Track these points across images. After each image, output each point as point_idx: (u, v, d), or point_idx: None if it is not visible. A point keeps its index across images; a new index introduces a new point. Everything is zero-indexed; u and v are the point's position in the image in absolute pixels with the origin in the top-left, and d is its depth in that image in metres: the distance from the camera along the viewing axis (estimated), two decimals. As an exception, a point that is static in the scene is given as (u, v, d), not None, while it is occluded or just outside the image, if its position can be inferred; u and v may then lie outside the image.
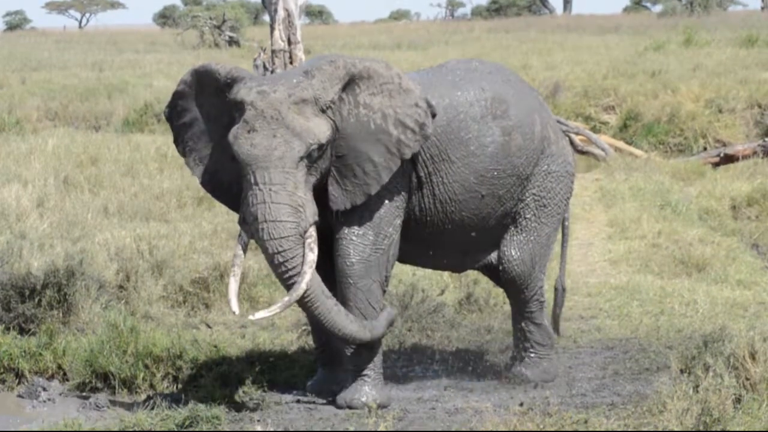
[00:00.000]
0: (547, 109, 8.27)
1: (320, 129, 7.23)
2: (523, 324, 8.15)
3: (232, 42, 37.27)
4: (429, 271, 10.09)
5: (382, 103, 7.40)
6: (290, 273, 7.15)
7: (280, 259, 7.12)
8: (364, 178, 7.38)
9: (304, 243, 7.14)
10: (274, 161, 7.10)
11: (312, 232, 7.18)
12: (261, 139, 7.11)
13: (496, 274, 8.18)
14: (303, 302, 7.23)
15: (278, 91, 7.20)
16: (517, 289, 8.05)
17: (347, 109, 7.39)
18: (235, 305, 7.21)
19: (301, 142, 7.14)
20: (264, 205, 7.08)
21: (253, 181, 7.11)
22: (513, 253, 7.98)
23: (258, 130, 7.13)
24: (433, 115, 7.44)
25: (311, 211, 7.19)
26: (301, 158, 7.15)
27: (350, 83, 7.39)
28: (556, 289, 8.37)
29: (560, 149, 8.06)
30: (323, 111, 7.29)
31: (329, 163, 7.39)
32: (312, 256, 7.14)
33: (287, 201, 7.10)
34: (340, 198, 7.43)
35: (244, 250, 7.37)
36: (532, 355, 8.15)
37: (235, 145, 7.13)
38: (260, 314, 7.22)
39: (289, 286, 7.17)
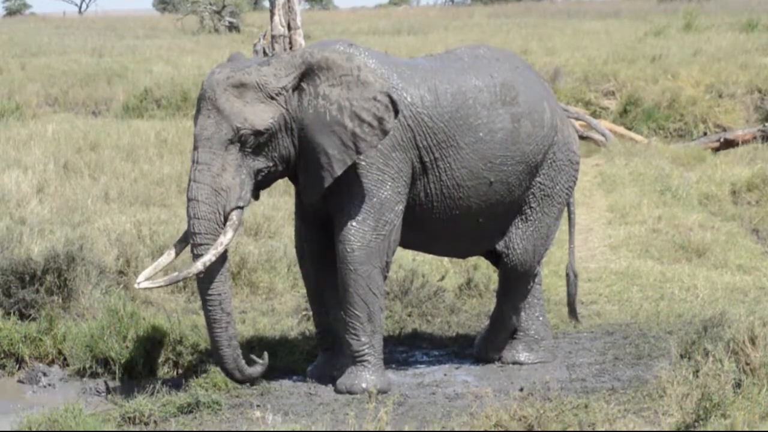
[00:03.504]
0: (554, 96, 8.25)
1: (258, 115, 7.25)
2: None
3: (232, 27, 37.20)
4: (429, 256, 10.09)
5: (340, 95, 7.35)
6: (199, 252, 7.25)
7: (192, 239, 7.27)
8: (319, 170, 7.35)
9: (225, 224, 7.23)
10: (203, 141, 7.25)
11: (233, 215, 7.23)
12: (200, 119, 7.30)
13: (498, 259, 8.19)
14: (198, 283, 7.34)
15: (221, 74, 7.31)
16: (516, 277, 8.06)
17: (307, 99, 7.37)
18: (142, 275, 7.34)
19: (228, 125, 7.22)
20: (191, 183, 7.26)
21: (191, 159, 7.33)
22: (517, 243, 7.98)
23: (200, 111, 7.31)
24: (396, 112, 7.36)
25: (236, 196, 7.24)
26: (230, 141, 7.22)
27: (309, 73, 7.37)
28: (567, 276, 8.38)
29: (566, 138, 8.04)
30: (272, 98, 7.30)
31: (291, 153, 7.39)
32: (223, 239, 7.21)
33: (209, 182, 7.21)
34: (304, 191, 7.46)
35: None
36: (524, 339, 8.19)
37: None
38: (145, 284, 7.36)
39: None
